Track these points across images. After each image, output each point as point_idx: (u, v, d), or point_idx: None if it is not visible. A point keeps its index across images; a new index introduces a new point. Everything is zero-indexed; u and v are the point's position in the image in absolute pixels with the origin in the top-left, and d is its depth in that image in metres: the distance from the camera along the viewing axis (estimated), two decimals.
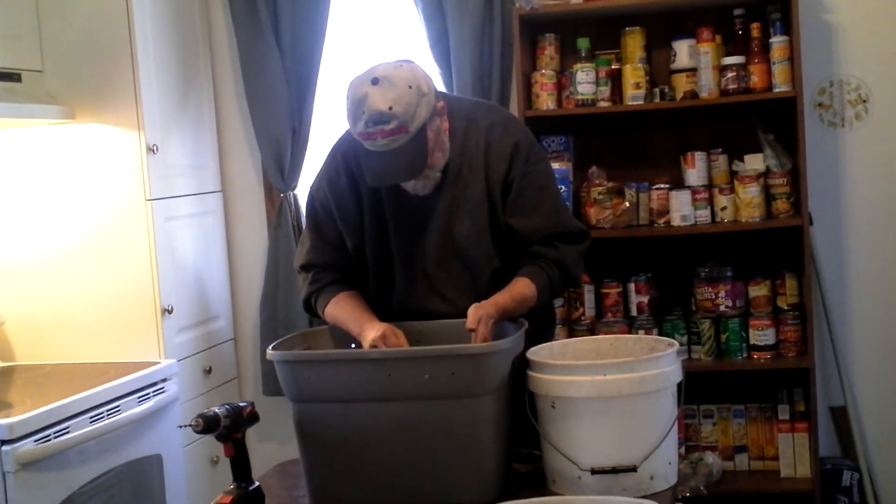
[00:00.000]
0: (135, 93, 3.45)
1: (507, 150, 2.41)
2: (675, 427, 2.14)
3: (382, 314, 2.46)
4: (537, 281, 2.38)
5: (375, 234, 2.48)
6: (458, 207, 2.42)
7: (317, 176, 2.56)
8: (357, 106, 2.25)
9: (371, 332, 2.33)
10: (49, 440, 2.78)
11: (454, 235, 2.42)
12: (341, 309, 2.46)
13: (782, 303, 3.57)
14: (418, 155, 2.29)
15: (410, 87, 2.25)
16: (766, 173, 3.52)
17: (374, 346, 2.28)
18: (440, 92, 2.43)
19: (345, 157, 2.49)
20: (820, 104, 3.68)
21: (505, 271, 2.43)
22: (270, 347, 2.22)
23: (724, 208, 3.54)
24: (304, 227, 2.65)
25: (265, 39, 3.86)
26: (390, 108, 2.22)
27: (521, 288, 2.37)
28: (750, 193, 3.49)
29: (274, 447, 3.69)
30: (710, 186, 3.58)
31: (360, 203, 2.48)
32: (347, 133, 2.48)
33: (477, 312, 2.22)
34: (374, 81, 2.24)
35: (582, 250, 2.48)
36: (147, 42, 3.50)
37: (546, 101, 3.60)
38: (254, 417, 2.14)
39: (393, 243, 2.46)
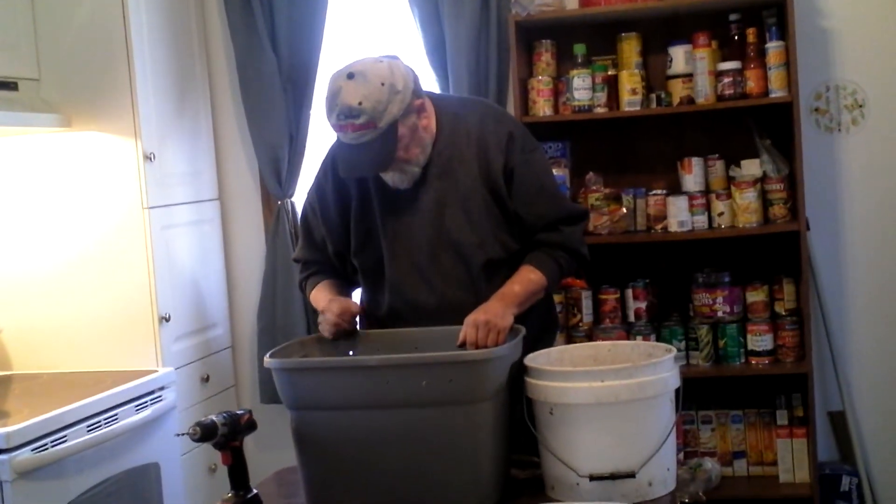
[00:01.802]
0: (131, 101, 3.45)
1: (502, 140, 2.46)
2: (674, 433, 2.14)
3: (376, 313, 2.53)
4: (541, 265, 2.44)
5: (364, 229, 2.51)
6: (449, 199, 2.45)
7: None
8: (332, 99, 2.30)
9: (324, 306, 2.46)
10: (46, 449, 2.77)
11: (446, 226, 2.45)
12: (319, 292, 2.57)
13: (780, 308, 3.57)
14: (386, 151, 2.33)
15: (383, 84, 2.28)
16: (763, 178, 3.52)
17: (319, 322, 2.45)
18: (427, 91, 2.46)
19: (333, 158, 2.51)
20: (816, 109, 3.68)
21: (498, 262, 2.45)
22: (268, 355, 2.22)
23: (721, 214, 3.54)
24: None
25: (262, 46, 3.86)
26: (360, 104, 2.26)
27: (525, 273, 2.43)
28: (747, 199, 3.49)
29: (272, 455, 3.65)
30: (707, 192, 3.58)
31: (345, 206, 2.52)
32: None
33: (477, 323, 2.26)
34: (350, 76, 2.29)
35: (583, 229, 2.57)
36: (143, 50, 3.50)
37: (543, 107, 3.60)
38: (251, 425, 2.14)
39: (383, 237, 2.49)
